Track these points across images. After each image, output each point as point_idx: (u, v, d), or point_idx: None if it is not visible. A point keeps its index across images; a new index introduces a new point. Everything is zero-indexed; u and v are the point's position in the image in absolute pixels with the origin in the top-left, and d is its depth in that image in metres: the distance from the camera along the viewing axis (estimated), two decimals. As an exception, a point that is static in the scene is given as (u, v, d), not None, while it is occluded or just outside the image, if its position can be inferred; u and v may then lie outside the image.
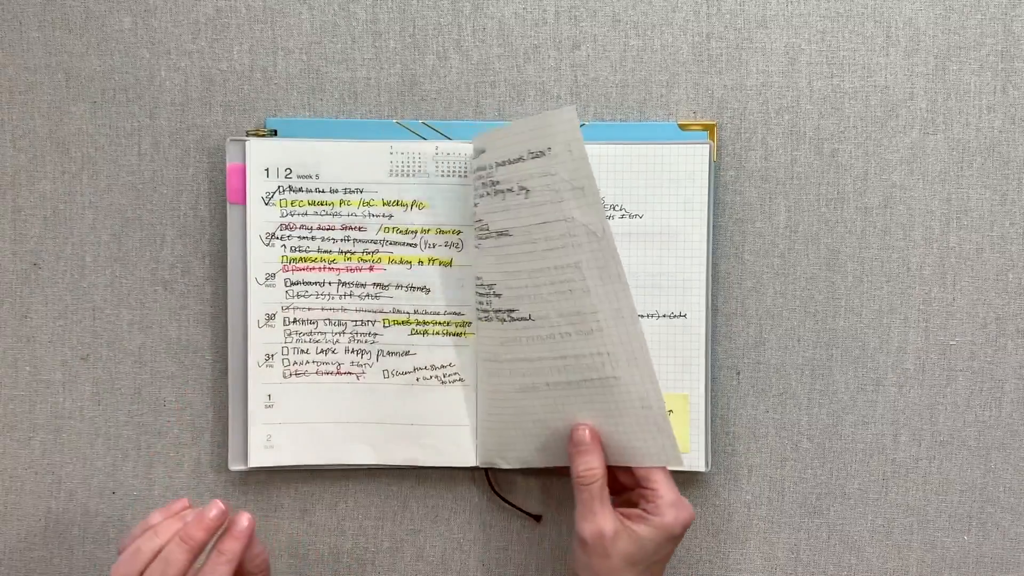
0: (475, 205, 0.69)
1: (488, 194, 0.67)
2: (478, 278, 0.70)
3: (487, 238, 0.68)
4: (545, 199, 0.64)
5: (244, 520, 0.59)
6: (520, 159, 0.65)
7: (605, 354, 0.65)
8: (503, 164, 0.66)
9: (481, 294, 0.69)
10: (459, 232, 0.71)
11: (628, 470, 0.66)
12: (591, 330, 0.65)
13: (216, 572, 0.57)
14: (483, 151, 0.67)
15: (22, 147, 0.74)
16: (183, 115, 0.73)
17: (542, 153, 0.64)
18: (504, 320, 0.68)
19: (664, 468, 0.65)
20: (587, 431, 0.65)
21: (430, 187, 0.71)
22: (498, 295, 0.68)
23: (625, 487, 0.68)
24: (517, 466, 0.71)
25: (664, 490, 0.64)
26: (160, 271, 0.74)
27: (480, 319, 0.70)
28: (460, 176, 0.71)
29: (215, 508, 0.58)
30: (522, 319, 0.67)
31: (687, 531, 0.65)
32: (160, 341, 0.74)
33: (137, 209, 0.74)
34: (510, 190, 0.66)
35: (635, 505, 0.66)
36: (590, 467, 0.64)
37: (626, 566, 0.63)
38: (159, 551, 0.57)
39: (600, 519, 0.63)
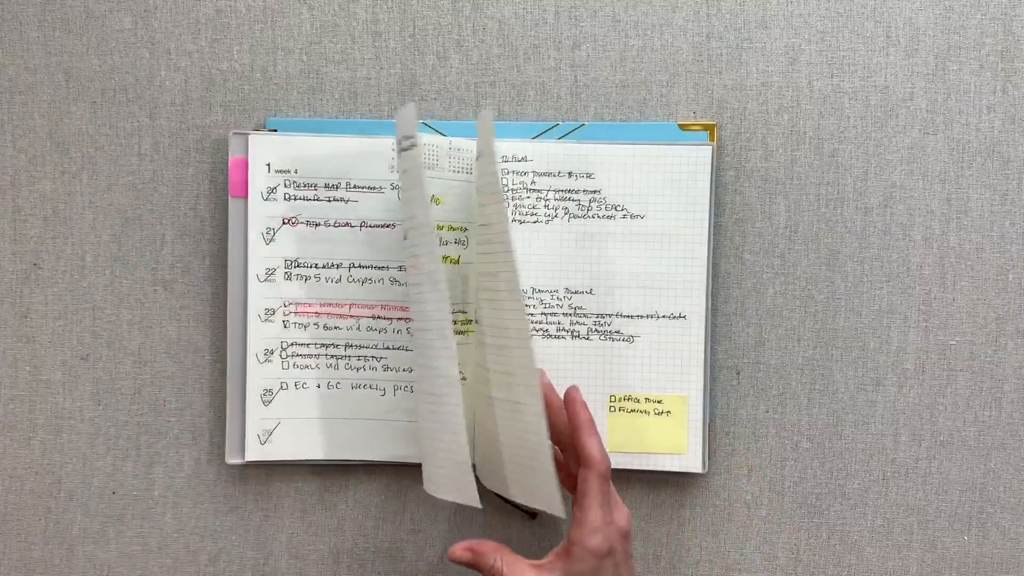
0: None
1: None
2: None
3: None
4: (483, 200, 0.63)
5: None
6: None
7: (511, 375, 0.61)
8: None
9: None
10: (465, 229, 0.71)
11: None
12: (505, 346, 0.61)
13: None
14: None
15: (22, 147, 0.74)
16: (183, 115, 0.73)
17: (481, 154, 0.64)
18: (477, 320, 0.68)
19: (600, 488, 0.60)
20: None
21: (433, 184, 0.71)
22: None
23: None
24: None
25: (591, 515, 0.60)
26: (160, 271, 0.74)
27: None
28: (466, 173, 0.71)
29: None
30: (476, 321, 0.66)
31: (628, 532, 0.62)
32: (160, 341, 0.74)
33: (137, 209, 0.74)
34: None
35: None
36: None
37: None
38: None
39: None
